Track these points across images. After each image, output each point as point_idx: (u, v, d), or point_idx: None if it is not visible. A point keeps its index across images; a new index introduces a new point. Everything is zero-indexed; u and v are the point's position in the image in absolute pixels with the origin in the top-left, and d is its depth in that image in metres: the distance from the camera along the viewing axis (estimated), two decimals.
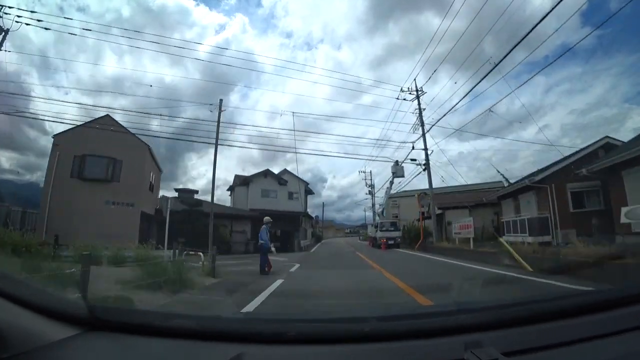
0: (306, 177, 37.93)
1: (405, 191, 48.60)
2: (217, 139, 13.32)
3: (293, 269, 9.72)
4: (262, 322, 1.36)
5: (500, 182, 40.12)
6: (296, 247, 21.70)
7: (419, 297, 4.54)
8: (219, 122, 13.40)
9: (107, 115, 17.40)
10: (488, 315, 1.20)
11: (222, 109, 13.59)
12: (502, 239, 12.85)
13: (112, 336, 1.01)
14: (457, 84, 52.14)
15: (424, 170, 21.76)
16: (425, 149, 21.72)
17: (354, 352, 0.96)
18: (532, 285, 5.71)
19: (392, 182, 24.98)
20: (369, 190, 48.17)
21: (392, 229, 22.55)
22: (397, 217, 34.47)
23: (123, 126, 17.04)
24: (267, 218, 9.43)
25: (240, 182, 27.65)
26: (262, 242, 8.89)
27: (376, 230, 23.82)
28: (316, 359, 0.96)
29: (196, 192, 26.76)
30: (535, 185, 14.31)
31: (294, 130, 23.85)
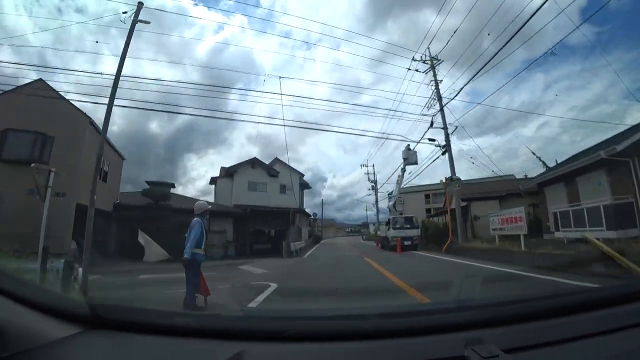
0: (305, 176, 33.89)
1: (411, 187, 44.62)
2: (121, 61, 8.82)
3: (262, 297, 5.36)
4: (263, 319, 1.38)
5: (512, 175, 36.55)
6: (284, 251, 17.17)
7: None
8: (130, 34, 8.96)
9: (40, 79, 13.40)
10: (488, 312, 1.17)
11: (142, 19, 9.17)
12: (589, 235, 8.85)
13: (113, 334, 1.00)
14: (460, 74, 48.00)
15: (444, 153, 17.77)
16: (445, 127, 17.73)
17: (354, 349, 0.95)
18: None
19: (404, 170, 20.95)
20: (372, 186, 44.56)
21: (408, 226, 18.28)
22: (402, 214, 30.97)
23: (57, 92, 13.05)
24: (200, 203, 5.24)
25: (224, 174, 23.59)
26: (187, 256, 4.57)
27: (388, 228, 19.57)
28: (316, 357, 0.95)
29: (172, 185, 22.71)
30: (612, 158, 10.28)
31: (280, 94, 19.99)
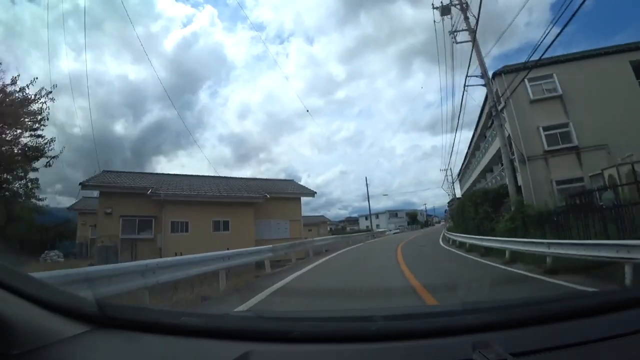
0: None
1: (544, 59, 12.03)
2: None
3: None
4: (269, 320, 1.38)
5: None
6: None
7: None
8: None
9: None
10: (496, 315, 1.18)
11: None
12: None
13: (121, 333, 1.02)
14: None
15: None
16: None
17: (360, 351, 0.95)
18: None
19: None
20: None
21: None
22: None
23: None
24: None
25: None
26: None
27: None
28: (323, 358, 0.96)
29: None
30: None
31: None
